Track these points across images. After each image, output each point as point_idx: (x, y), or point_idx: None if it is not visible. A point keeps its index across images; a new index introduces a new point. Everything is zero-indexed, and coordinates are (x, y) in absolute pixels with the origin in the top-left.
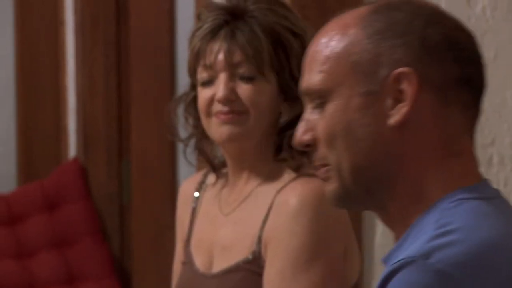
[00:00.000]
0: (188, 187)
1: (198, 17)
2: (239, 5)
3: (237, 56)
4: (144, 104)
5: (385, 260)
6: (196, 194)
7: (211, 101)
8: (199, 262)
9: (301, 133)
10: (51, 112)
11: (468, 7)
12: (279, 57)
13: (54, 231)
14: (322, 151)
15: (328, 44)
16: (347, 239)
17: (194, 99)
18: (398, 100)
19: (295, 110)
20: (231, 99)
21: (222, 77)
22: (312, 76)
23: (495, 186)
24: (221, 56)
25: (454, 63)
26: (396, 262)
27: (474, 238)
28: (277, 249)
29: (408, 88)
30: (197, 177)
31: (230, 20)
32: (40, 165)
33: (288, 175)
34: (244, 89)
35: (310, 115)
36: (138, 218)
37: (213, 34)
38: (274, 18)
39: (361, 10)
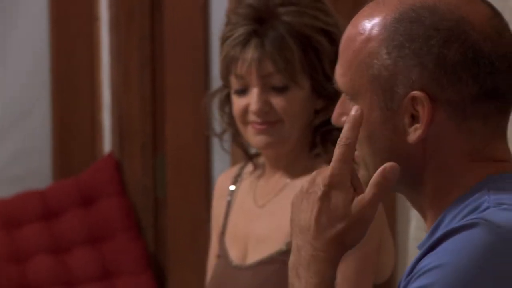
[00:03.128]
0: (224, 181)
1: (227, 20)
2: (268, 9)
3: (269, 67)
4: (178, 99)
5: (420, 248)
6: (232, 187)
7: (245, 110)
8: (234, 255)
9: (337, 115)
10: (86, 107)
11: (503, 0)
12: (311, 61)
13: (90, 227)
14: None
15: (353, 46)
16: (381, 233)
17: (227, 96)
18: (415, 118)
19: (330, 109)
20: (265, 110)
21: (255, 89)
22: (339, 74)
23: None
24: (252, 68)
25: (472, 82)
26: (451, 226)
27: None
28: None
29: (422, 110)
30: (233, 170)
31: (259, 28)
32: (75, 160)
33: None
34: (277, 100)
35: (345, 97)
36: (173, 213)
37: (243, 43)
38: (303, 21)
39: (388, 13)
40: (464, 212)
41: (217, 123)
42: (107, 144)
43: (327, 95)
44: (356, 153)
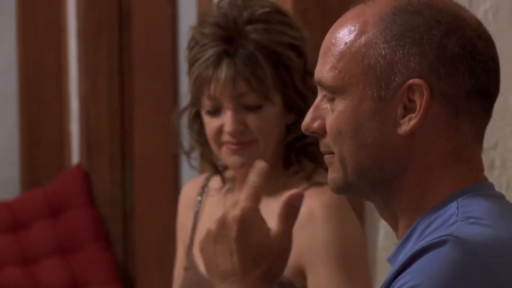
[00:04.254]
0: (190, 191)
1: (194, 41)
2: (235, 27)
3: (242, 87)
4: (147, 110)
5: (391, 259)
6: (199, 198)
7: (219, 131)
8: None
9: (309, 120)
10: (54, 117)
11: (470, 10)
12: (282, 77)
13: (58, 237)
14: (328, 141)
15: (345, 39)
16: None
17: (196, 114)
18: (408, 110)
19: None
20: (240, 131)
21: (229, 110)
22: (325, 69)
23: (497, 189)
24: (226, 88)
25: (468, 76)
26: (422, 244)
27: (500, 227)
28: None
29: (419, 99)
30: (199, 180)
31: (229, 48)
32: (43, 171)
33: (301, 184)
34: (252, 119)
35: (320, 102)
36: (142, 223)
37: (215, 64)
38: (272, 37)
39: (383, 7)
40: (435, 223)
41: (185, 140)
42: (75, 155)
43: (298, 109)
44: (328, 156)
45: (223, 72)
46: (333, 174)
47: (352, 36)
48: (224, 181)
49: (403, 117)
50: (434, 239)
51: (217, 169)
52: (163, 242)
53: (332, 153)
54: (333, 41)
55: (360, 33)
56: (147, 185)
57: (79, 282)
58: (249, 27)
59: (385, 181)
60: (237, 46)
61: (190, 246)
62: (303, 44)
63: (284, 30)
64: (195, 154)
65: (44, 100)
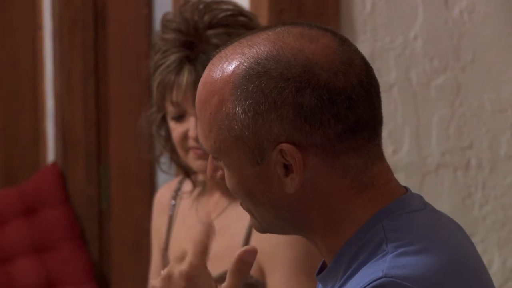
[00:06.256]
0: (164, 195)
1: (156, 47)
2: (196, 32)
3: None
4: (122, 109)
5: (321, 280)
6: (173, 202)
7: (185, 136)
8: None
9: (211, 170)
10: (30, 116)
11: (445, 10)
12: None
13: (33, 236)
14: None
15: (209, 108)
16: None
17: (163, 119)
18: (289, 168)
19: None
20: None
21: (192, 115)
22: (202, 135)
23: (472, 189)
24: (188, 94)
25: (334, 121)
26: (362, 287)
27: (433, 249)
28: (274, 261)
29: (292, 161)
30: (173, 184)
31: (190, 53)
32: (18, 169)
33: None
34: None
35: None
36: (117, 223)
37: (176, 70)
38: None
39: (235, 69)
40: (363, 252)
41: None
42: (50, 154)
43: None
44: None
45: (185, 78)
46: (252, 220)
47: (214, 106)
48: (195, 184)
49: (286, 175)
50: (371, 281)
51: (188, 173)
52: (139, 242)
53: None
54: (201, 104)
55: (219, 104)
56: (123, 184)
57: (54, 281)
58: (210, 32)
59: (294, 227)
60: (198, 51)
61: (165, 250)
62: None
63: (245, 33)
64: (165, 159)
65: (19, 99)
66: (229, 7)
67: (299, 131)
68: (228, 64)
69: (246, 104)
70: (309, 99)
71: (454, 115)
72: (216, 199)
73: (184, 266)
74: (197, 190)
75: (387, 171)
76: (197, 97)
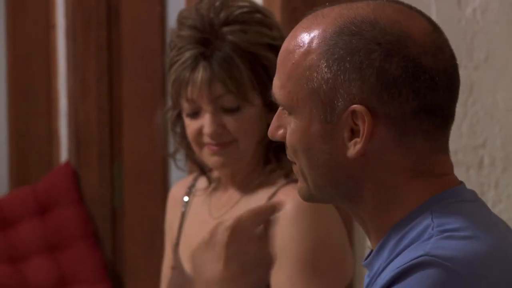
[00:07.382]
0: (177, 191)
1: (172, 44)
2: (212, 29)
3: (219, 89)
4: (135, 108)
5: (367, 265)
6: (186, 198)
7: (199, 133)
8: (189, 267)
9: (273, 128)
10: (43, 115)
11: (458, 9)
12: (260, 78)
13: (46, 235)
14: (289, 152)
15: (292, 58)
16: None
17: (178, 116)
18: (355, 133)
19: None
20: (218, 132)
21: (207, 112)
22: (278, 86)
23: (485, 188)
24: (203, 91)
25: (412, 97)
26: (402, 265)
27: (479, 237)
28: (282, 255)
29: (362, 125)
30: (187, 181)
31: (206, 50)
32: (32, 169)
33: (279, 181)
34: (230, 120)
35: (282, 111)
36: (130, 221)
37: (192, 67)
38: (249, 38)
39: (328, 25)
40: (409, 235)
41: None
42: (63, 153)
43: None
44: (294, 166)
45: (200, 74)
46: (300, 185)
47: (298, 55)
48: (210, 181)
49: (350, 140)
50: (412, 259)
51: (203, 170)
52: (152, 240)
53: (295, 162)
54: (285, 54)
55: (305, 54)
56: (136, 182)
57: (68, 280)
58: (225, 29)
59: (344, 197)
60: (213, 48)
61: (177, 245)
62: (282, 43)
63: (262, 30)
64: (180, 156)
65: (33, 98)
66: (245, 4)
67: (376, 98)
68: (322, 20)
69: (331, 59)
70: (395, 67)
71: (467, 113)
72: (230, 193)
73: (230, 221)
74: (212, 186)
75: (449, 166)
76: (283, 47)
